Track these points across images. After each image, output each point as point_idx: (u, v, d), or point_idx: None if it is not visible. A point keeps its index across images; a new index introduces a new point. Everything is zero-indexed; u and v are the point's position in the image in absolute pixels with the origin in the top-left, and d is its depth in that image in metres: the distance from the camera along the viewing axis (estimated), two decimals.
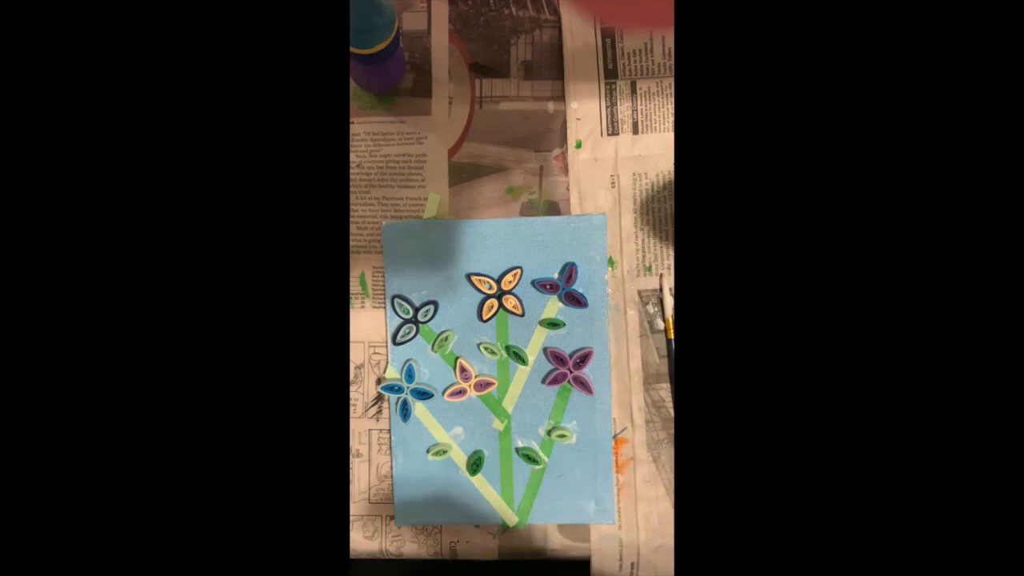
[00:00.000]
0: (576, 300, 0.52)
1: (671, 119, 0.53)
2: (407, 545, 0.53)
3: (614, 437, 0.52)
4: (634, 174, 0.53)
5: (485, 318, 0.52)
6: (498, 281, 0.52)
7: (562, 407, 0.52)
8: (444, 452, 0.52)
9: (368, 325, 0.53)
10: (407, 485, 0.52)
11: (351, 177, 0.54)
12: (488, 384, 0.52)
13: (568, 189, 0.53)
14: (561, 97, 0.54)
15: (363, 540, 0.53)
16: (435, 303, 0.52)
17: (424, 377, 0.53)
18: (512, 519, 0.52)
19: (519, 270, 0.52)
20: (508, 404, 0.52)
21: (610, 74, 0.54)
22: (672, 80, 0.54)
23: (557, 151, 0.54)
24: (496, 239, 0.52)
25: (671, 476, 0.52)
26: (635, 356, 0.52)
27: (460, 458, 0.52)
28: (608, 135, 0.54)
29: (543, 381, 0.52)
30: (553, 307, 0.52)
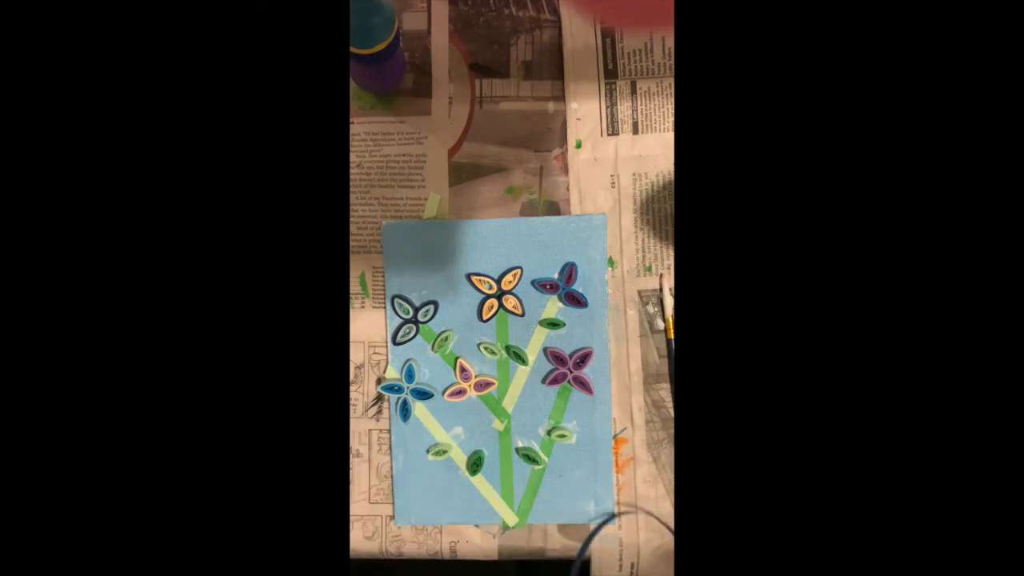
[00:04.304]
0: (576, 300, 0.52)
1: (671, 119, 0.53)
2: (407, 545, 0.53)
3: (614, 437, 0.52)
4: (634, 174, 0.53)
5: (485, 318, 0.52)
6: (498, 281, 0.52)
7: (562, 407, 0.52)
8: (444, 452, 0.52)
9: (368, 325, 0.53)
10: (407, 485, 0.52)
11: (351, 177, 0.54)
12: (488, 384, 0.52)
13: (568, 189, 0.53)
14: (561, 97, 0.54)
15: (363, 540, 0.53)
16: (435, 303, 0.52)
17: (424, 377, 0.53)
18: (512, 519, 0.52)
19: (519, 270, 0.52)
20: (508, 404, 0.52)
21: (610, 74, 0.54)
22: (672, 80, 0.54)
23: (557, 151, 0.54)
24: (496, 239, 0.52)
25: (671, 476, 0.52)
26: (635, 356, 0.52)
27: (460, 458, 0.52)
28: (608, 135, 0.54)
29: (543, 381, 0.52)
30: (553, 307, 0.52)
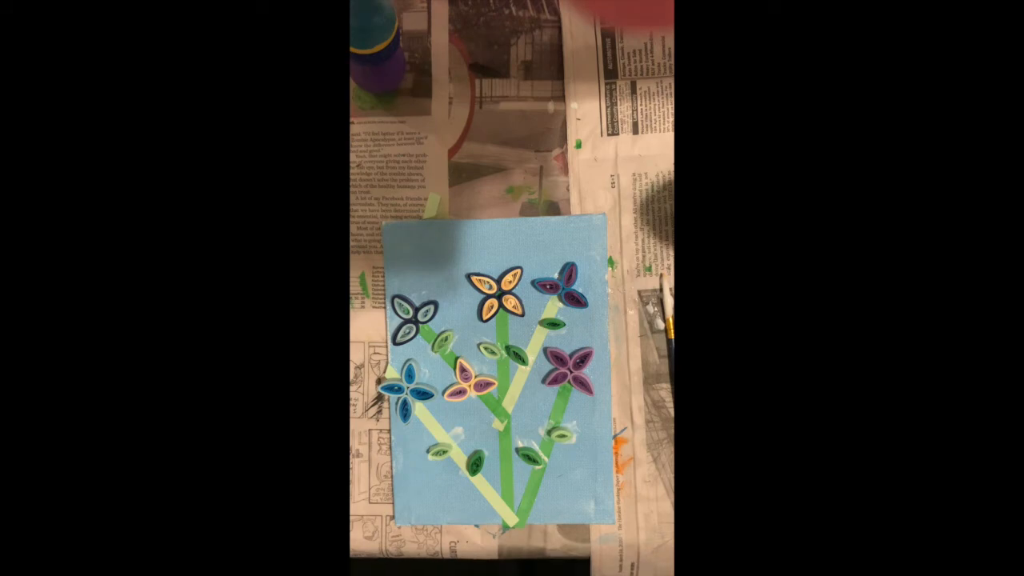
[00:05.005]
0: (576, 300, 0.52)
1: (671, 119, 0.53)
2: (407, 545, 0.53)
3: (614, 437, 0.52)
4: (634, 174, 0.53)
5: (485, 318, 0.52)
6: (498, 281, 0.52)
7: (562, 407, 0.52)
8: (444, 452, 0.52)
9: (368, 325, 0.53)
10: (407, 485, 0.52)
11: (351, 177, 0.54)
12: (488, 384, 0.52)
13: (568, 189, 0.53)
14: (561, 97, 0.54)
15: (363, 540, 0.53)
16: (435, 303, 0.52)
17: (424, 377, 0.53)
18: (512, 519, 0.52)
19: (519, 270, 0.52)
20: (508, 404, 0.52)
21: (610, 74, 0.54)
22: (672, 80, 0.54)
23: (557, 151, 0.54)
24: (496, 239, 0.52)
25: (671, 476, 0.52)
26: (635, 356, 0.52)
27: (460, 458, 0.52)
28: (608, 135, 0.54)
29: (543, 381, 0.52)
30: (553, 307, 0.52)
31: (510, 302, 0.52)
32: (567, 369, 0.51)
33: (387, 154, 0.54)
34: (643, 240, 0.53)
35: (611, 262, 0.53)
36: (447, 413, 0.52)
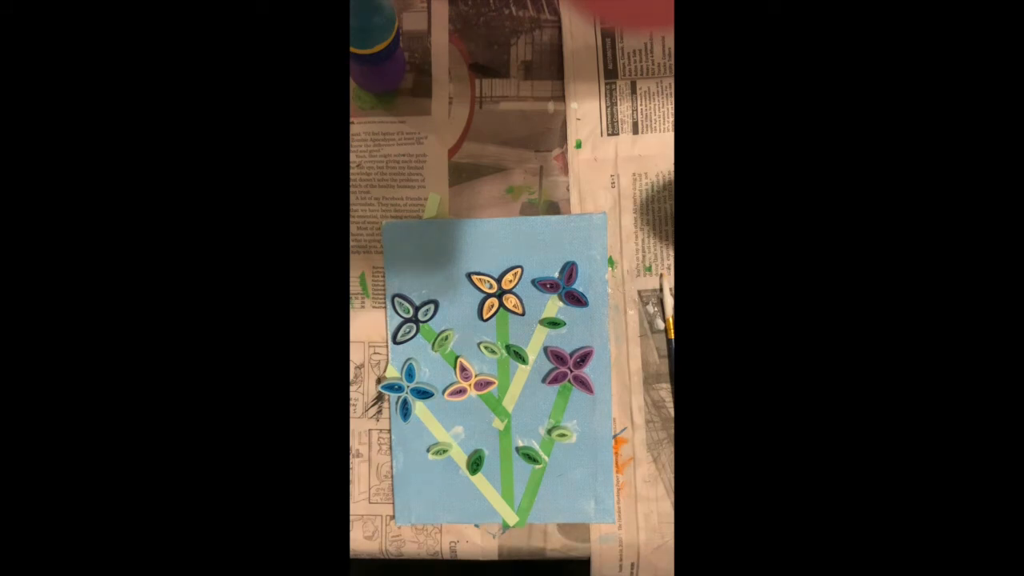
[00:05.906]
0: (576, 299, 0.52)
1: (671, 119, 0.53)
2: (407, 545, 0.53)
3: (614, 437, 0.52)
4: (634, 174, 0.53)
5: (485, 317, 0.52)
6: (498, 280, 0.52)
7: (562, 406, 0.52)
8: (444, 451, 0.52)
9: (368, 325, 0.53)
10: (407, 485, 0.52)
11: (351, 177, 0.54)
12: (488, 383, 0.52)
13: (568, 189, 0.53)
14: (561, 97, 0.54)
15: (363, 540, 0.53)
16: (435, 302, 0.52)
17: (424, 376, 0.53)
18: (512, 519, 0.52)
19: (519, 269, 0.52)
20: (508, 403, 0.52)
21: (610, 74, 0.54)
22: (672, 80, 0.54)
23: (557, 151, 0.54)
24: (496, 238, 0.52)
25: (671, 476, 0.52)
26: (635, 356, 0.52)
27: (460, 457, 0.52)
28: (608, 135, 0.54)
29: (543, 380, 0.52)
30: (553, 306, 0.52)
31: (510, 301, 0.52)
32: (567, 368, 0.52)
33: (387, 154, 0.54)
34: (643, 240, 0.53)
35: (611, 262, 0.53)
36: (447, 412, 0.52)
